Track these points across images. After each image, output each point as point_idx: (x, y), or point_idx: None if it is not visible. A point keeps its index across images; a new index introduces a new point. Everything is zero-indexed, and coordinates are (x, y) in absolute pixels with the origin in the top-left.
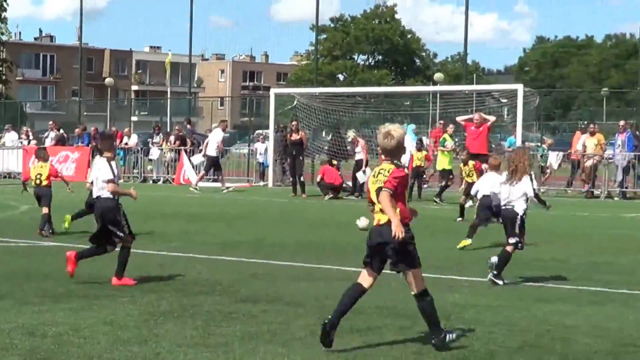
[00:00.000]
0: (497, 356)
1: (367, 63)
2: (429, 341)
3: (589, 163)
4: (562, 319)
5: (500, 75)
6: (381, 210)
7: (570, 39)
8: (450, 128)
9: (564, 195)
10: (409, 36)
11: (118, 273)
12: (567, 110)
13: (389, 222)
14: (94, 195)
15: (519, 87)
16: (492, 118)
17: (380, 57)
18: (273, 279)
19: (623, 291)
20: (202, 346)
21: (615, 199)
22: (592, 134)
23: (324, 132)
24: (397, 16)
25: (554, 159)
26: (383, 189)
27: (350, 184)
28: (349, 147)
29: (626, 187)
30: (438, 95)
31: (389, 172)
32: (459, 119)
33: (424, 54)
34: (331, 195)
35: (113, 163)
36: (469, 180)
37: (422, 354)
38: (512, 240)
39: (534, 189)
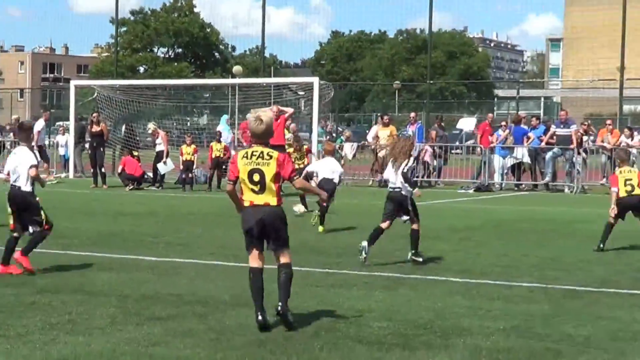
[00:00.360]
0: (293, 340)
1: (167, 56)
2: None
3: (382, 153)
4: (355, 304)
5: (297, 69)
6: (254, 192)
7: (364, 33)
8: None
9: (365, 185)
10: (208, 30)
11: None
12: (362, 102)
13: (267, 204)
14: (14, 184)
15: (315, 80)
16: (289, 110)
17: (180, 50)
18: (74, 269)
19: (415, 276)
20: (1, 337)
21: None
22: (386, 125)
23: (124, 124)
24: (196, 10)
25: (348, 149)
26: (294, 179)
27: (151, 174)
28: (149, 139)
29: (417, 177)
30: (237, 87)
31: (269, 156)
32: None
33: (223, 47)
34: (132, 187)
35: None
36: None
37: (221, 340)
38: (405, 217)
39: (404, 172)
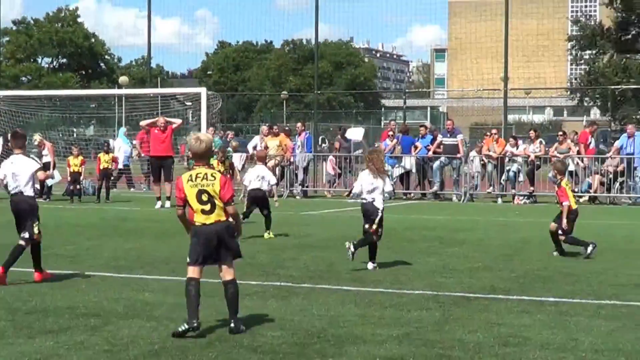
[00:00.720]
0: (188, 351)
1: (51, 66)
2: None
3: (271, 163)
4: (249, 314)
5: (184, 79)
6: (205, 212)
7: (250, 43)
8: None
9: None
10: (92, 40)
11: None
12: (250, 112)
13: (218, 221)
14: (15, 191)
15: (203, 91)
16: (177, 121)
17: (64, 60)
18: None
19: (307, 285)
20: None
21: (297, 197)
22: (275, 135)
23: (9, 135)
24: (80, 19)
25: (237, 160)
26: (230, 204)
27: (38, 186)
28: (35, 150)
29: (307, 186)
30: (124, 98)
31: (213, 177)
32: (142, 123)
33: (108, 57)
34: None
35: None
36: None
37: (114, 352)
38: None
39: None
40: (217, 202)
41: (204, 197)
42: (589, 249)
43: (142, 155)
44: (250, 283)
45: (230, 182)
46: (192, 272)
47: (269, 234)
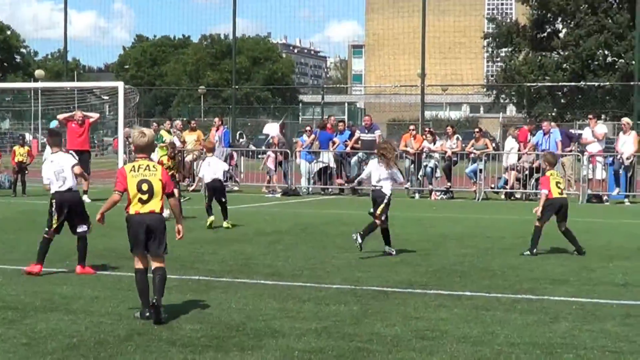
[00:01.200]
0: (106, 344)
1: None
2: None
3: (189, 158)
4: (167, 307)
5: (101, 73)
6: (142, 201)
7: (168, 38)
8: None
9: None
10: (8, 32)
11: (81, 259)
12: (167, 106)
13: (152, 212)
14: (58, 189)
15: (120, 85)
16: (94, 115)
17: None
18: None
19: (225, 279)
20: None
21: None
22: (193, 129)
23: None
24: None
25: (155, 155)
26: (174, 196)
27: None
28: None
29: (225, 180)
30: (40, 92)
31: (155, 168)
32: (60, 116)
33: (24, 50)
34: None
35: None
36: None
37: (32, 345)
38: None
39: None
40: (156, 193)
41: (144, 187)
42: (528, 252)
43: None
44: (170, 277)
45: (168, 175)
46: (137, 262)
47: (227, 223)
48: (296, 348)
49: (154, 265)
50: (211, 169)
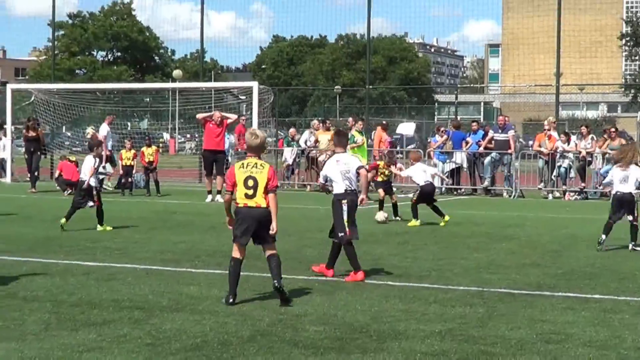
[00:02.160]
0: (229, 345)
1: (106, 59)
2: None
3: (322, 157)
4: (293, 308)
5: (238, 73)
6: (249, 196)
7: (304, 38)
8: (359, 124)
9: (300, 190)
10: (147, 33)
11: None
12: (303, 106)
13: (258, 206)
14: (351, 188)
15: (254, 85)
16: (232, 116)
17: (119, 54)
18: (8, 274)
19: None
20: None
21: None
22: (327, 129)
23: (64, 128)
24: (135, 13)
25: (288, 154)
26: (274, 192)
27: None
28: (87, 143)
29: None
30: (177, 92)
31: (262, 166)
32: (199, 116)
33: (162, 51)
34: (70, 191)
35: None
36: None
37: (156, 345)
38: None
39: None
40: (260, 189)
41: (250, 183)
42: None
43: (239, 150)
44: (296, 278)
45: (276, 174)
46: (235, 251)
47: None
48: (419, 350)
49: (268, 253)
50: (420, 172)
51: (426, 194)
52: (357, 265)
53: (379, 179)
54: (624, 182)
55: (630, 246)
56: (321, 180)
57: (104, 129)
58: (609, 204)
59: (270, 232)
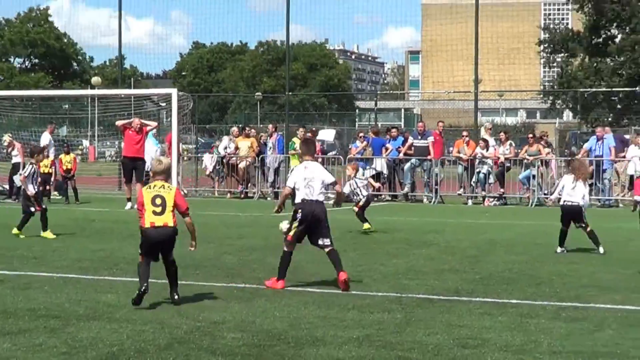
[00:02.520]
0: (146, 353)
1: (23, 66)
2: None
3: (242, 165)
4: (210, 315)
5: (158, 80)
6: (157, 214)
7: (224, 44)
8: (301, 132)
9: (221, 197)
10: (65, 40)
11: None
12: (224, 113)
13: (165, 224)
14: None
15: (174, 91)
16: (152, 124)
17: (36, 61)
18: None
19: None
20: None
21: (268, 199)
22: (247, 136)
23: None
24: (52, 19)
25: (208, 160)
26: (189, 215)
27: (7, 187)
28: (4, 151)
29: (278, 187)
30: (96, 99)
31: (169, 188)
32: (118, 123)
33: (80, 57)
34: None
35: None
36: None
37: (71, 354)
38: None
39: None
40: (168, 207)
41: (158, 201)
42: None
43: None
44: (215, 285)
45: (182, 196)
46: (145, 262)
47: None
48: (336, 357)
49: (169, 259)
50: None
51: (369, 202)
52: (283, 274)
53: None
54: (573, 193)
55: (601, 250)
56: (288, 185)
57: (46, 138)
58: (527, 209)
59: (190, 248)
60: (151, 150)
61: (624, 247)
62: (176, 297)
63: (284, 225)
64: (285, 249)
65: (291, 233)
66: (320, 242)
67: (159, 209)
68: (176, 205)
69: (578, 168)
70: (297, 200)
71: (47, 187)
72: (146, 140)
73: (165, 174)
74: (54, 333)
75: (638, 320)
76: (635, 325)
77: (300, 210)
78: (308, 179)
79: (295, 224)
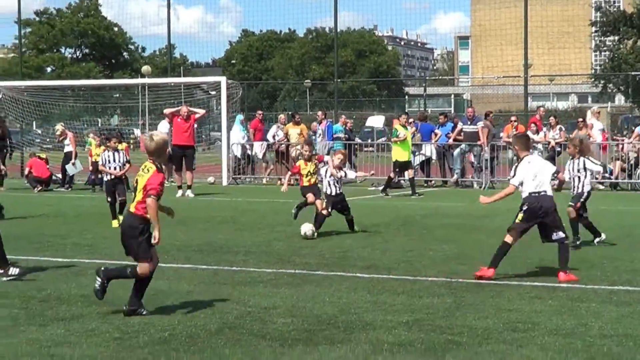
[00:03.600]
0: (197, 338)
1: (74, 56)
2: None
3: (293, 153)
4: (260, 301)
5: (208, 68)
6: (132, 200)
7: (273, 32)
8: (402, 118)
9: (271, 185)
10: (115, 29)
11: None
12: (273, 101)
13: (129, 211)
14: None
15: (222, 79)
16: (200, 111)
17: (87, 51)
18: None
19: (321, 273)
20: None
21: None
22: (297, 123)
23: (34, 125)
24: (103, 9)
25: (258, 148)
26: (150, 196)
27: (60, 176)
28: (57, 140)
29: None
30: (146, 88)
31: (148, 171)
32: (166, 111)
33: (131, 47)
34: (40, 188)
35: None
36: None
37: (124, 339)
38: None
39: None
40: (139, 191)
41: (134, 185)
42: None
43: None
44: (265, 271)
45: (159, 179)
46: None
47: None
48: (386, 341)
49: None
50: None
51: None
52: (496, 264)
53: (305, 182)
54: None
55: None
56: (513, 183)
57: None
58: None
59: (152, 241)
60: (238, 137)
61: None
62: (125, 308)
63: (307, 229)
64: (508, 239)
65: (516, 224)
66: (554, 236)
67: (133, 195)
68: (144, 188)
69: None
70: (524, 195)
71: (100, 176)
72: (233, 127)
73: (156, 154)
74: (107, 319)
75: None
76: None
77: (528, 204)
78: (536, 173)
79: (521, 215)
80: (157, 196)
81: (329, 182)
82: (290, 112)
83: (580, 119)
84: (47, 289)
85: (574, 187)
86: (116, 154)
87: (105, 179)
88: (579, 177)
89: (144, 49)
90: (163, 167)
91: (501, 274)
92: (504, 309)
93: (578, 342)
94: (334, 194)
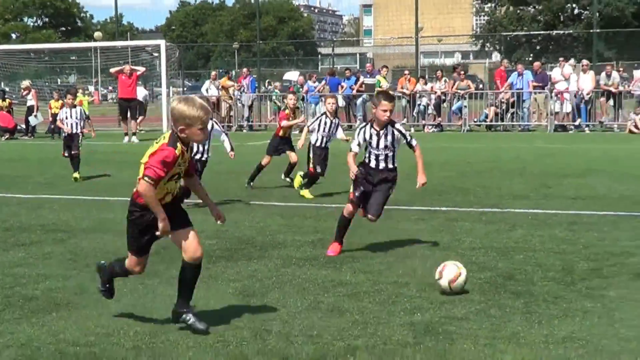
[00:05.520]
0: None
1: (35, 24)
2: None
3: (224, 105)
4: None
5: (152, 34)
6: None
7: (207, 2)
8: (384, 70)
9: None
10: (70, 0)
11: None
12: (207, 61)
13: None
14: None
15: (162, 42)
16: (140, 69)
17: (47, 20)
18: None
19: (242, 201)
20: None
21: (244, 131)
22: (229, 79)
23: (2, 83)
24: None
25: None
26: (144, 177)
27: (23, 126)
28: (21, 95)
29: (252, 122)
30: (98, 50)
31: (158, 142)
32: (112, 70)
33: (84, 15)
34: (6, 137)
35: None
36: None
37: (76, 260)
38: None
39: None
40: (140, 171)
41: None
42: None
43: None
44: (194, 201)
45: (164, 154)
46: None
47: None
48: (294, 256)
49: None
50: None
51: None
52: None
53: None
54: None
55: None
56: None
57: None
58: (459, 134)
59: (156, 233)
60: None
61: (535, 163)
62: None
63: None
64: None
65: None
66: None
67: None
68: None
69: None
70: None
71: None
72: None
73: (172, 120)
74: (62, 243)
75: (544, 221)
76: (541, 225)
77: None
78: None
79: None
80: (153, 179)
81: (322, 135)
82: (222, 70)
83: (462, 72)
84: (9, 221)
85: None
86: (73, 110)
87: (62, 134)
88: None
89: (92, 17)
90: (190, 143)
91: (392, 200)
92: (393, 228)
93: (452, 253)
94: (324, 146)
